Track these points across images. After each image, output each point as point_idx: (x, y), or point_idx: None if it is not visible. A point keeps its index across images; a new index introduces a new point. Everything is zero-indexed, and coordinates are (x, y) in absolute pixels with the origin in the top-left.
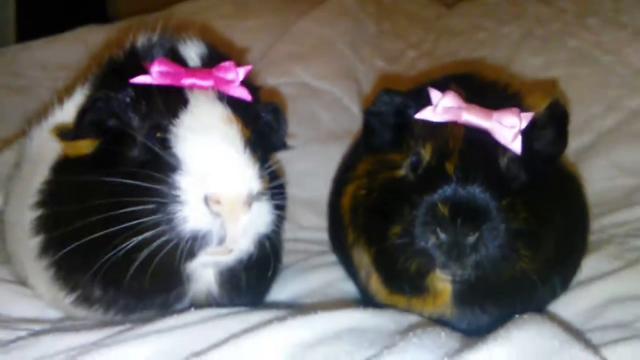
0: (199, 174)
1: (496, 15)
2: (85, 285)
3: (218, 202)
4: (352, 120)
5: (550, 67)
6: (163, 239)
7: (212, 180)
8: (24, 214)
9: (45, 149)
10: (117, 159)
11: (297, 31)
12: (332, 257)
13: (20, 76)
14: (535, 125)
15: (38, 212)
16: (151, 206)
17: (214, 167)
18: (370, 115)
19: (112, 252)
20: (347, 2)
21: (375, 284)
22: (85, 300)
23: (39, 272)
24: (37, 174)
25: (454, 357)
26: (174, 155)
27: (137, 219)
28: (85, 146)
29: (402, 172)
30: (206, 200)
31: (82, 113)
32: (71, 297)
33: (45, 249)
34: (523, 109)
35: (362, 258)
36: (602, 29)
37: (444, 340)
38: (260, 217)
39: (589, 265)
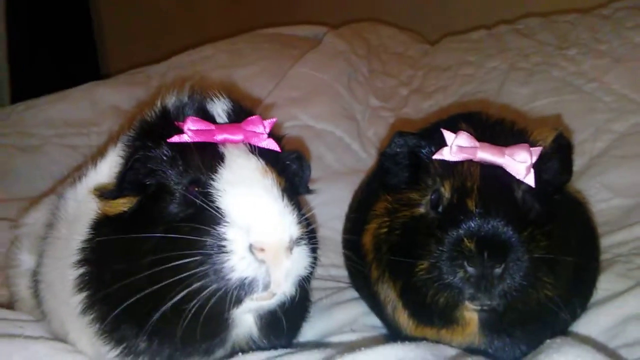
0: (243, 225)
1: (480, 50)
2: (130, 338)
3: (262, 249)
4: (354, 158)
5: (537, 97)
6: (211, 288)
7: (256, 229)
8: (65, 273)
9: (82, 209)
10: (158, 214)
11: (294, 76)
12: (351, 293)
13: (28, 135)
14: (543, 157)
15: (81, 270)
16: (198, 258)
17: (256, 217)
18: (386, 157)
19: (163, 308)
20: (339, 45)
21: (403, 318)
22: (130, 352)
23: (81, 328)
24: (76, 233)
25: None
26: (217, 208)
27: (185, 271)
28: (122, 204)
29: (421, 209)
30: (251, 248)
31: (123, 173)
32: (116, 351)
33: (90, 306)
34: (531, 144)
35: (388, 293)
36: (582, 58)
37: None
38: (300, 261)
39: (601, 285)
